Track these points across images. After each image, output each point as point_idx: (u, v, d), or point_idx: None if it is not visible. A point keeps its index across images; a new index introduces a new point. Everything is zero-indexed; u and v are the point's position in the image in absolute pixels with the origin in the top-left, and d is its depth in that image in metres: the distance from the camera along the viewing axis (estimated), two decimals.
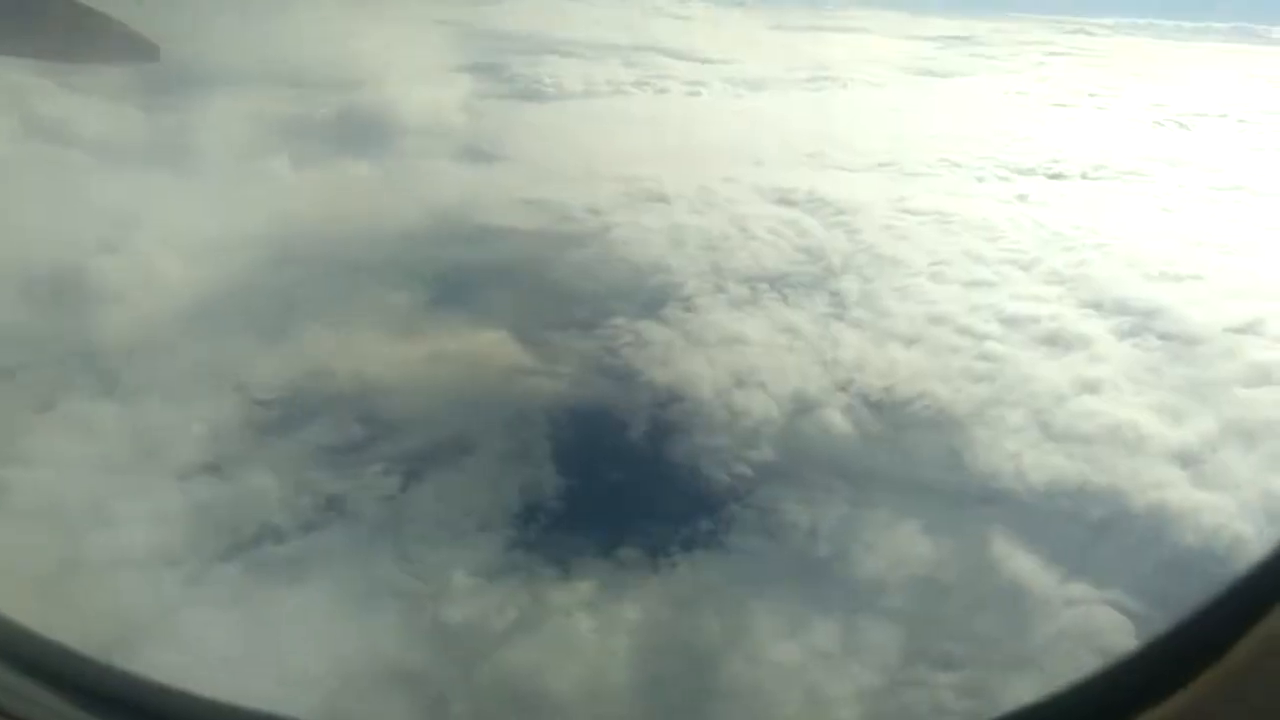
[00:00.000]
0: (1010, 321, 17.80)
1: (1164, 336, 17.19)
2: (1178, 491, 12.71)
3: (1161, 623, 1.60)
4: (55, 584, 11.62)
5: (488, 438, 17.24)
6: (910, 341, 16.96)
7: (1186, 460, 13.50)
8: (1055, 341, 17.11)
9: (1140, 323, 17.67)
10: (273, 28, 55.72)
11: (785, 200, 25.64)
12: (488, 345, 19.82)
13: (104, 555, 12.55)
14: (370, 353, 19.65)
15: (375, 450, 16.85)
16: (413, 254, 23.83)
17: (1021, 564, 11.17)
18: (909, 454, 13.93)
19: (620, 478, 15.67)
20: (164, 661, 9.51)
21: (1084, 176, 30.66)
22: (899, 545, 11.56)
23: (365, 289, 22.50)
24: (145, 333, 19.89)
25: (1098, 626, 10.46)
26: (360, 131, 36.71)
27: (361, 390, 18.28)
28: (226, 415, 17.10)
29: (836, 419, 14.59)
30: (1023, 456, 13.34)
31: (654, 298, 19.18)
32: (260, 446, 16.60)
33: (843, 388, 15.42)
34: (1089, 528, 12.10)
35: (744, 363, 16.06)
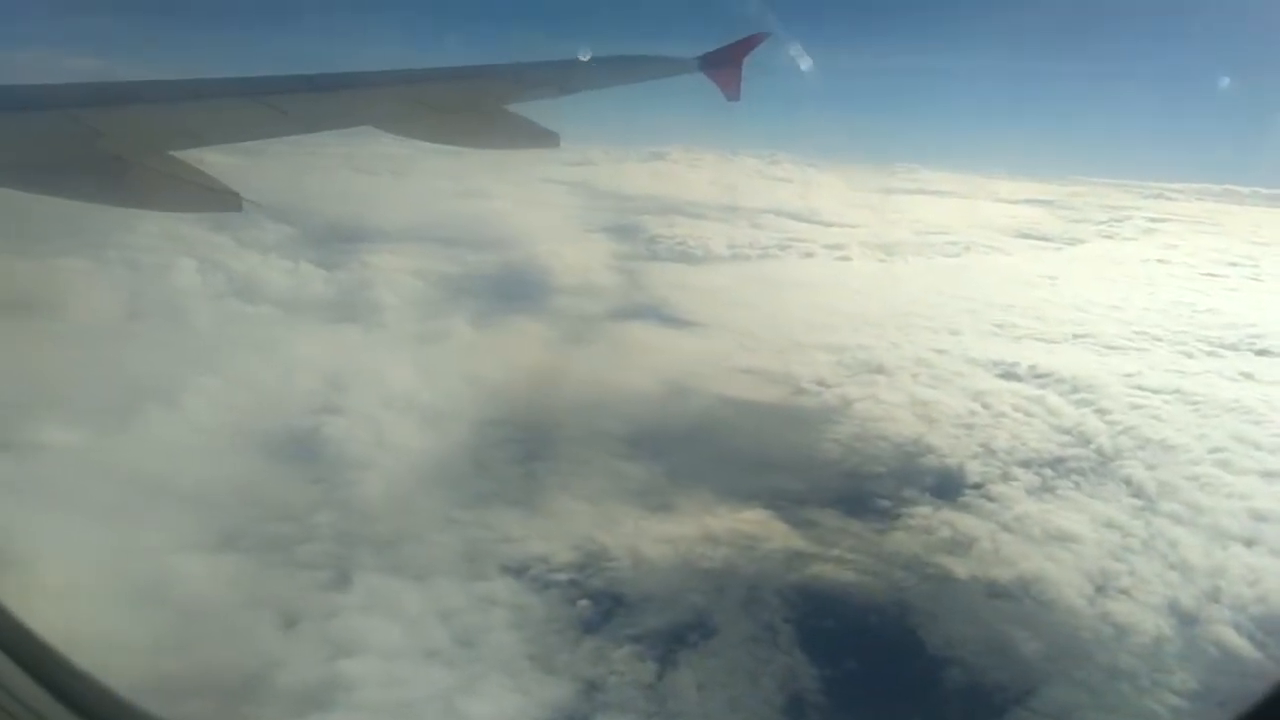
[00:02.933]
0: None
1: None
2: None
3: None
4: None
5: (763, 623, 16.22)
6: (1249, 542, 15.83)
7: None
8: None
9: None
10: (397, 187, 58.16)
11: (1010, 374, 25.04)
12: (750, 524, 19.02)
13: None
14: (626, 528, 18.96)
15: (636, 629, 15.86)
16: (638, 422, 23.41)
17: None
18: None
19: (950, 681, 14.46)
20: None
21: None
22: None
23: (600, 458, 22.00)
24: (399, 502, 19.51)
25: None
26: (522, 291, 37.28)
27: (629, 568, 17.51)
28: (503, 594, 16.41)
29: (1230, 636, 13.39)
30: None
31: (942, 482, 18.37)
32: (532, 626, 15.77)
33: (1213, 598, 14.27)
34: None
35: (1088, 563, 15.02)
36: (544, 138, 6.48)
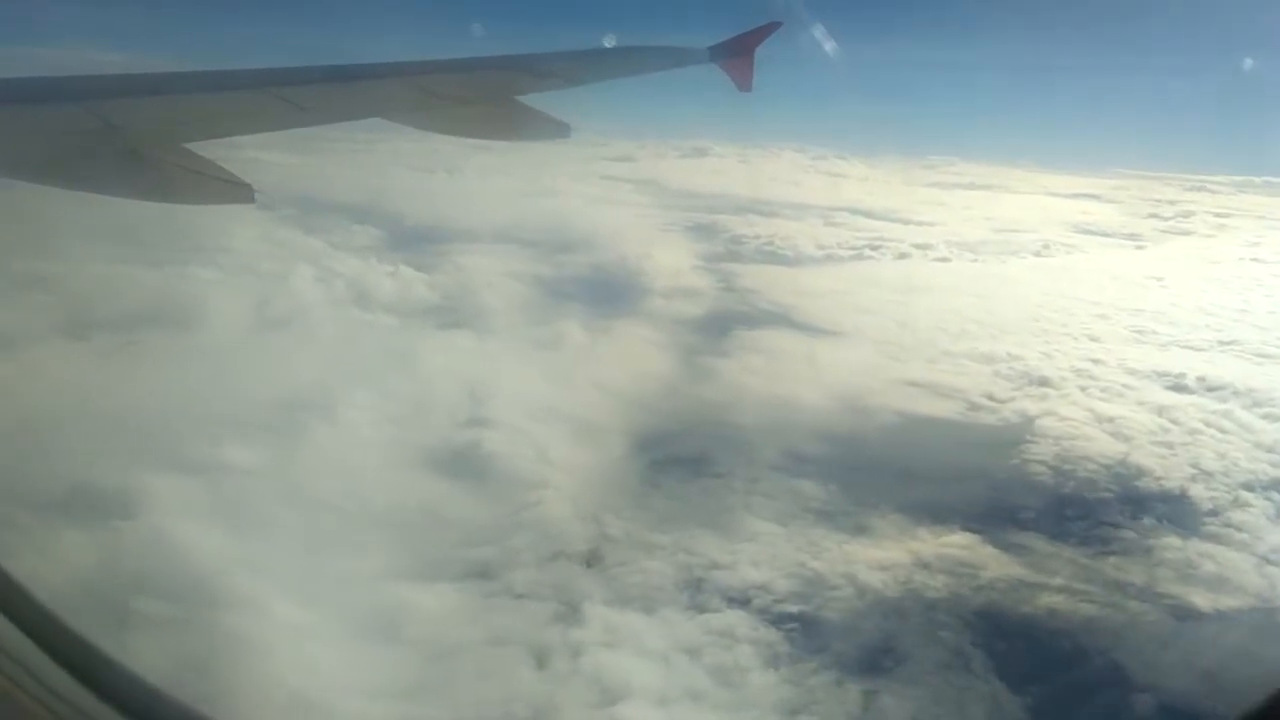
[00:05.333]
0: None
1: None
2: None
3: None
4: None
5: (1011, 658, 15.45)
6: None
7: None
8: None
9: None
10: (459, 185, 57.48)
11: (1180, 387, 24.22)
12: (960, 549, 18.25)
13: None
14: (832, 553, 18.23)
15: (885, 664, 15.11)
16: (804, 436, 22.64)
17: None
18: None
19: None
20: None
21: None
22: None
23: (772, 475, 21.25)
24: (590, 524, 18.88)
25: None
26: (623, 294, 36.58)
27: (855, 598, 16.76)
28: (739, 626, 15.69)
29: None
30: None
31: (1172, 508, 17.57)
32: (781, 662, 15.02)
33: None
34: None
35: None
36: (555, 128, 6.48)
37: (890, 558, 17.73)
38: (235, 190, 4.85)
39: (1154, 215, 73.64)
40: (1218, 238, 63.23)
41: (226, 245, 34.33)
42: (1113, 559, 17.08)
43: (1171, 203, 78.92)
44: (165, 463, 18.06)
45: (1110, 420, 21.34)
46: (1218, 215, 73.81)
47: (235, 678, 11.96)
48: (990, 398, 23.09)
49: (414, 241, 41.79)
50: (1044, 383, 24.16)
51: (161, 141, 4.81)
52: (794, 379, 25.65)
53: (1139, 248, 57.71)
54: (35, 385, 19.90)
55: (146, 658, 12.03)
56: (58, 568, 14.27)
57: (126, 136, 4.76)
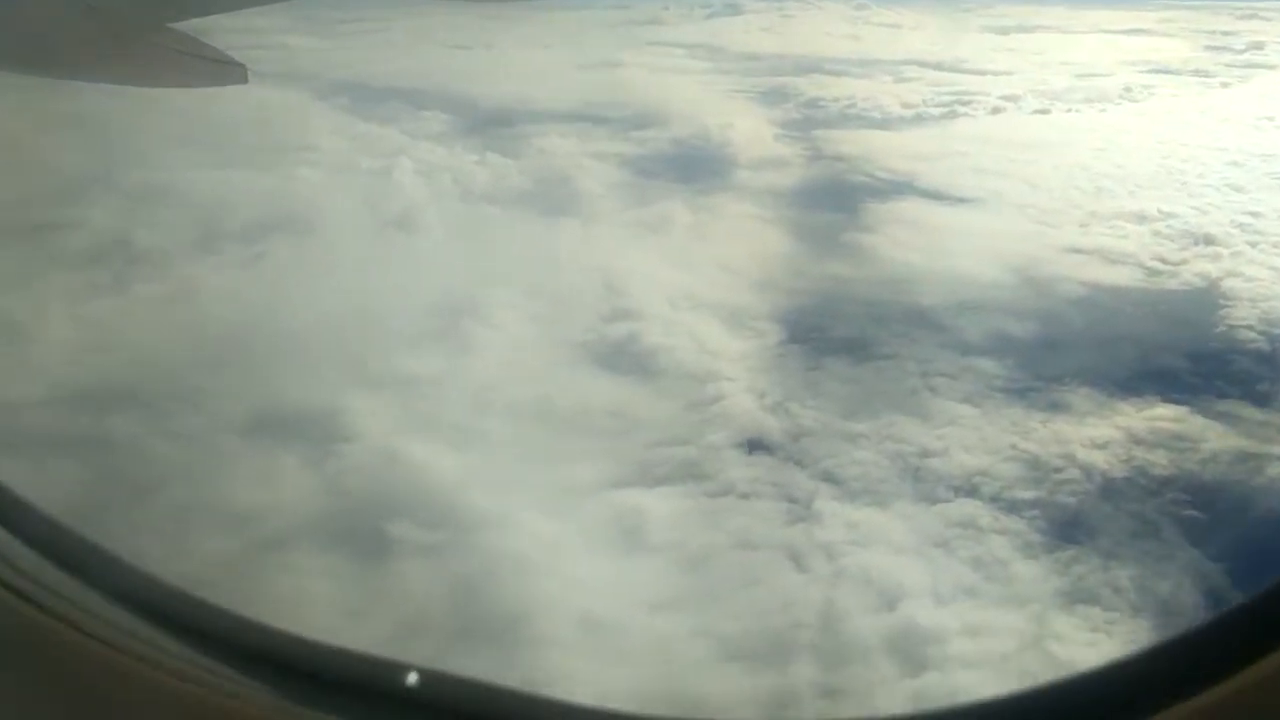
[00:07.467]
0: None
1: None
2: None
3: None
4: None
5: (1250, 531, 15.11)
6: None
7: None
8: None
9: None
10: (506, 60, 54.82)
11: None
12: (1171, 422, 17.72)
13: None
14: (1040, 433, 17.76)
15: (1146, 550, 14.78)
16: (972, 312, 21.88)
17: None
18: None
19: None
20: None
21: None
22: None
23: (944, 354, 20.62)
24: (781, 415, 18.46)
25: None
26: (715, 169, 35.26)
27: (1084, 479, 16.32)
28: (978, 516, 15.35)
29: None
30: None
31: None
32: (1038, 551, 14.72)
33: None
34: None
35: None
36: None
37: (1102, 435, 17.24)
38: (227, 71, 4.65)
39: (1221, 48, 69.73)
40: None
41: (304, 142, 33.15)
42: None
43: (1228, 33, 74.66)
44: (349, 378, 17.67)
45: None
46: None
47: (525, 600, 11.77)
48: (1162, 260, 22.14)
49: (485, 125, 40.21)
50: (1210, 240, 23.12)
51: (145, 22, 4.56)
52: (941, 251, 24.72)
53: (1224, 85, 54.91)
54: (197, 305, 19.39)
55: (421, 584, 11.82)
56: (293, 497, 14.05)
57: (108, 19, 4.52)
